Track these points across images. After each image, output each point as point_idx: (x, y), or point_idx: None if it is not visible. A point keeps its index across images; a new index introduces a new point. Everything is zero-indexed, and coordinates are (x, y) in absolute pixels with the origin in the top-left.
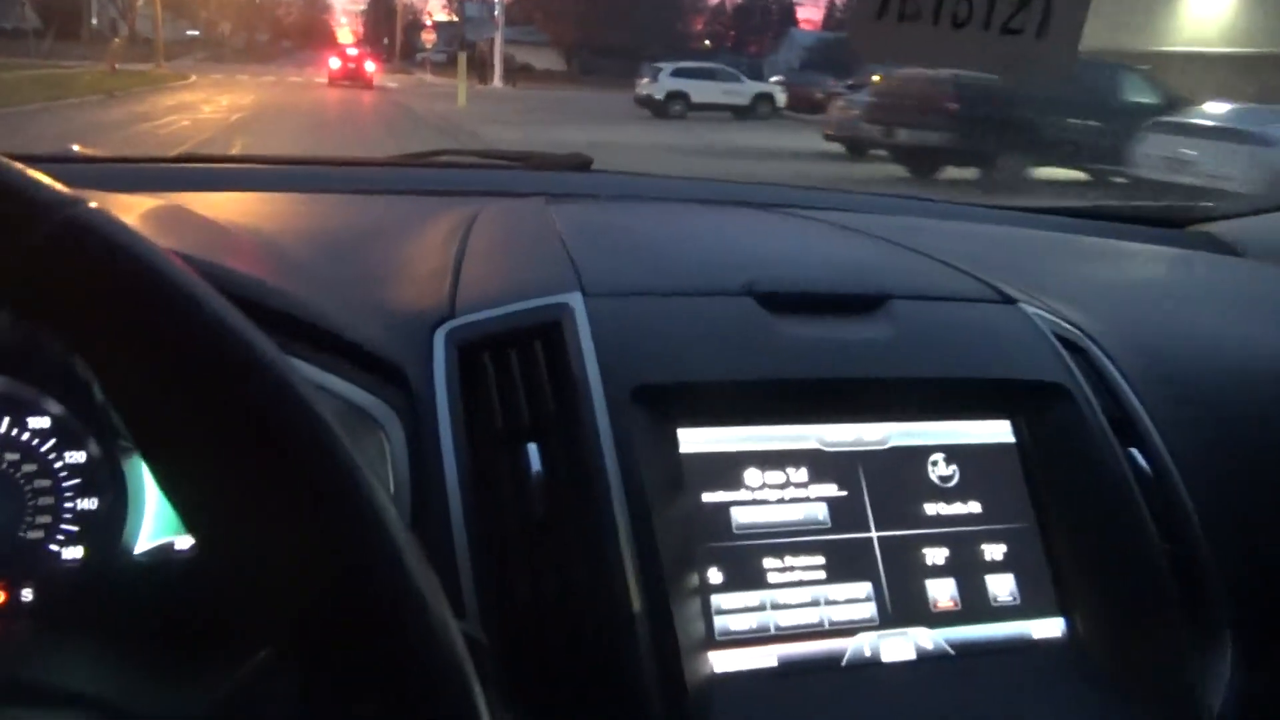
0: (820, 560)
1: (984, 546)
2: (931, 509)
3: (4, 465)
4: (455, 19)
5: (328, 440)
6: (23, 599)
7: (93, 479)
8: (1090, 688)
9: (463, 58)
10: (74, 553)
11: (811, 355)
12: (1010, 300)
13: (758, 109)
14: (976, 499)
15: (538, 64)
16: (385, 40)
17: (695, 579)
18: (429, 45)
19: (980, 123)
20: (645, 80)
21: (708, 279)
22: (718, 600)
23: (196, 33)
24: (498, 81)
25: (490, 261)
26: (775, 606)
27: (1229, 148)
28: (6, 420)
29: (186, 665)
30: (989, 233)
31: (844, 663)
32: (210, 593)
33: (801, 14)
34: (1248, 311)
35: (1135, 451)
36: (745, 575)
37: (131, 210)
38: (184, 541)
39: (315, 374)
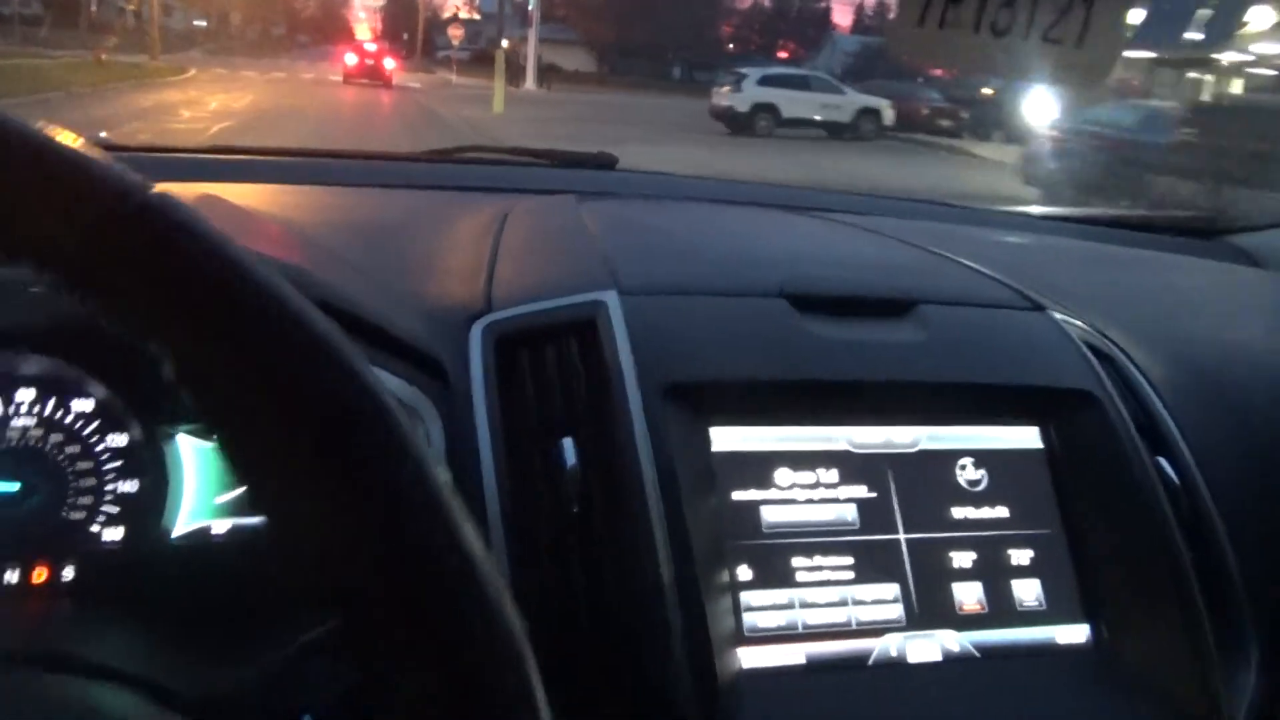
0: (848, 560)
1: (1010, 551)
2: (959, 512)
3: (48, 446)
4: (478, 16)
5: (393, 421)
6: (63, 578)
7: (134, 462)
8: (1114, 693)
9: (500, 55)
10: (114, 534)
11: (843, 357)
12: (1040, 307)
13: (860, 126)
14: (1004, 504)
15: (565, 64)
16: (405, 36)
17: (725, 576)
18: (456, 41)
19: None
20: (725, 89)
21: (741, 279)
22: (747, 597)
23: (204, 23)
24: (530, 83)
25: (525, 258)
26: (803, 605)
27: None
28: (51, 402)
29: (224, 646)
30: (1017, 240)
31: (870, 662)
32: (248, 575)
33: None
34: (1275, 323)
35: (1162, 460)
36: (774, 573)
37: None
38: (221, 526)
39: None
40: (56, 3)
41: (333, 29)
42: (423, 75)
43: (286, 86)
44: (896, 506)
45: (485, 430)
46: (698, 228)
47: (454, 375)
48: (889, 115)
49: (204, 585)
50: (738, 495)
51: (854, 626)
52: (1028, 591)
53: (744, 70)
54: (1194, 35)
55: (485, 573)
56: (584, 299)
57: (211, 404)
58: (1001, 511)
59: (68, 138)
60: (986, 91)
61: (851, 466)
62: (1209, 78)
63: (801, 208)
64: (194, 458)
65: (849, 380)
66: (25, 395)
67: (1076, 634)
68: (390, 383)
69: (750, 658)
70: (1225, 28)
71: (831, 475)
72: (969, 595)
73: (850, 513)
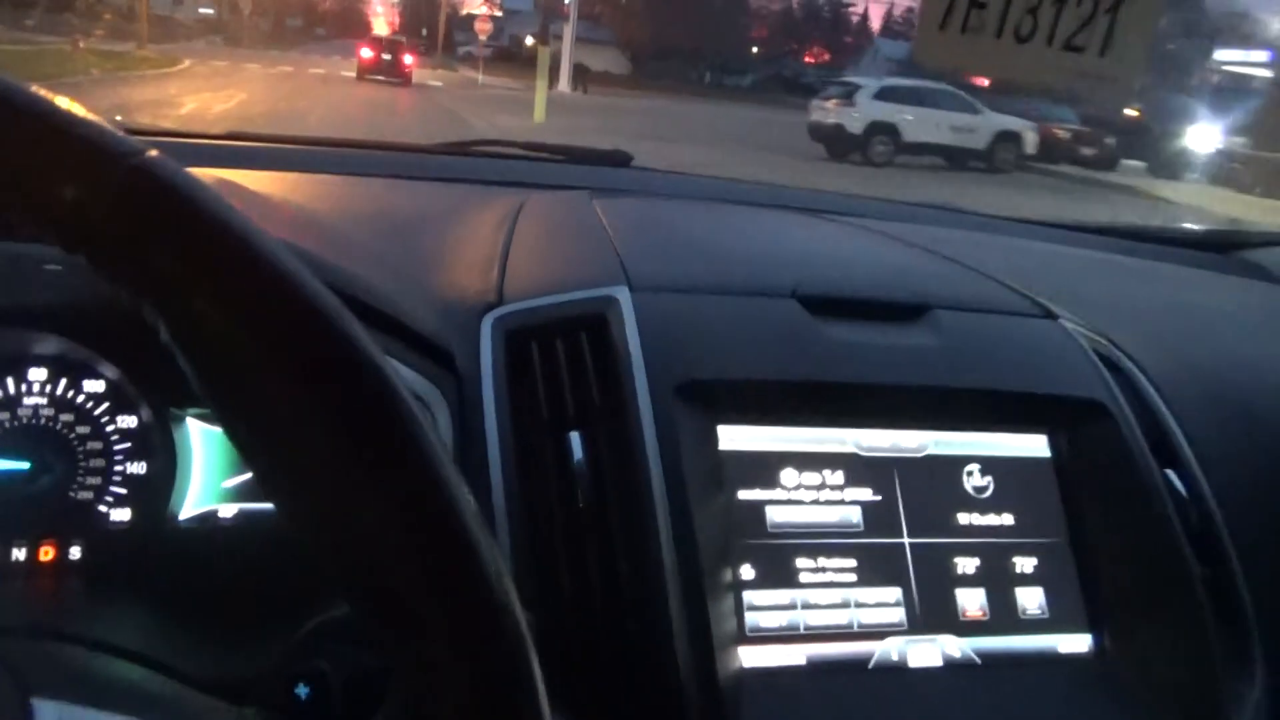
0: (852, 563)
1: (1015, 559)
2: (965, 518)
3: (58, 426)
4: (499, 12)
5: (400, 403)
6: (71, 557)
7: (143, 444)
8: (1115, 704)
9: (544, 54)
10: (121, 515)
11: (853, 360)
12: (1052, 315)
13: (995, 154)
14: (1010, 511)
15: (593, 65)
16: (424, 31)
17: (729, 574)
18: (484, 36)
19: None
20: (831, 102)
21: (753, 279)
22: (750, 597)
23: (210, 11)
24: (564, 85)
25: (537, 252)
26: (806, 606)
27: None
28: (63, 382)
29: (227, 629)
30: (1031, 248)
31: (871, 665)
32: (253, 560)
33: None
34: None
35: (1171, 472)
36: (778, 573)
37: None
38: (227, 510)
39: None
40: None
41: (352, 22)
42: (444, 73)
43: (290, 84)
44: (902, 510)
45: (494, 422)
46: (711, 227)
47: (464, 367)
48: (1031, 141)
49: (209, 568)
50: (744, 494)
51: (856, 629)
52: (1031, 599)
53: (855, 80)
54: None
55: (484, 548)
56: (596, 294)
57: (202, 364)
58: (1007, 519)
59: (64, 102)
60: (1130, 113)
61: (858, 469)
62: None
63: (815, 210)
64: (202, 441)
65: (858, 383)
66: (37, 374)
67: (1079, 644)
68: (401, 372)
69: (751, 657)
70: None
71: (838, 477)
72: (972, 601)
73: (855, 515)
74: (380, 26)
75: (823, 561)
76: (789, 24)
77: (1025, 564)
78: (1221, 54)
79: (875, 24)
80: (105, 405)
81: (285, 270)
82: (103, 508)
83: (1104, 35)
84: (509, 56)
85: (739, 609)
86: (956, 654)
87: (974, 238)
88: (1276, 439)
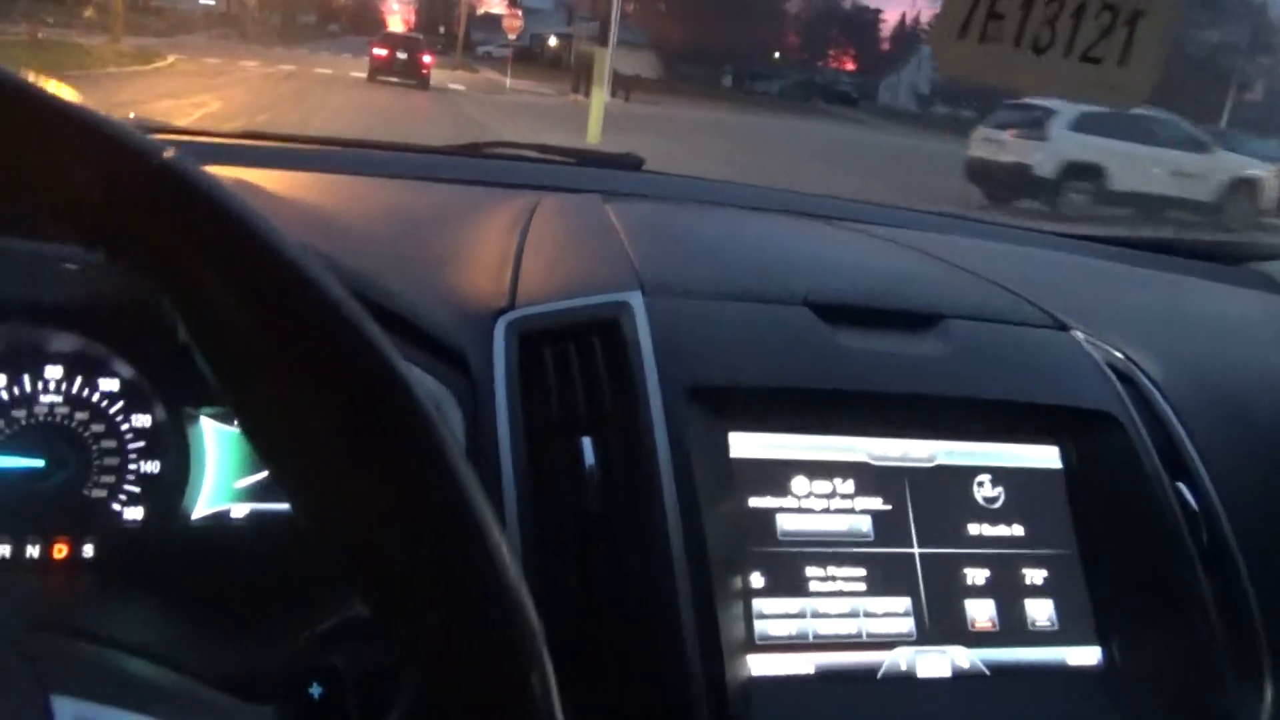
0: (861, 572)
1: (1025, 570)
2: (975, 529)
3: (73, 424)
4: (519, 11)
5: (414, 399)
6: (84, 555)
7: (157, 443)
8: (1124, 718)
9: (602, 58)
10: (134, 513)
11: (865, 368)
12: (1064, 326)
13: (1226, 208)
14: (1020, 522)
15: (623, 68)
16: (441, 30)
17: (739, 581)
18: (512, 35)
19: None
20: (1010, 133)
21: (766, 286)
22: (759, 605)
23: (213, 2)
24: (605, 92)
25: (551, 255)
26: (815, 615)
27: None
28: (79, 380)
29: (240, 629)
30: (1043, 258)
31: (880, 675)
32: (265, 560)
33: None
34: None
35: (1182, 485)
36: (787, 582)
37: None
38: (240, 510)
39: None
40: None
41: (368, 19)
42: (465, 74)
43: (287, 87)
44: (912, 520)
45: (506, 426)
46: (724, 232)
47: (477, 369)
48: (1274, 188)
49: (221, 568)
50: (754, 501)
51: (865, 639)
52: (1040, 611)
53: (1042, 102)
54: None
55: (497, 541)
56: (608, 299)
57: (221, 361)
58: (1017, 530)
59: (82, 101)
60: None
61: (868, 478)
62: None
63: (828, 217)
64: (216, 441)
65: (870, 391)
66: (53, 372)
67: (1088, 656)
68: (413, 373)
69: (760, 665)
70: None
71: (848, 486)
72: (981, 612)
73: (865, 524)
74: (396, 24)
75: (832, 570)
76: (824, 30)
77: (1035, 575)
78: None
79: (902, 33)
80: (120, 404)
81: (305, 270)
82: (116, 506)
83: (1122, 46)
84: (530, 57)
85: (748, 616)
86: (965, 665)
87: (986, 247)
88: None
